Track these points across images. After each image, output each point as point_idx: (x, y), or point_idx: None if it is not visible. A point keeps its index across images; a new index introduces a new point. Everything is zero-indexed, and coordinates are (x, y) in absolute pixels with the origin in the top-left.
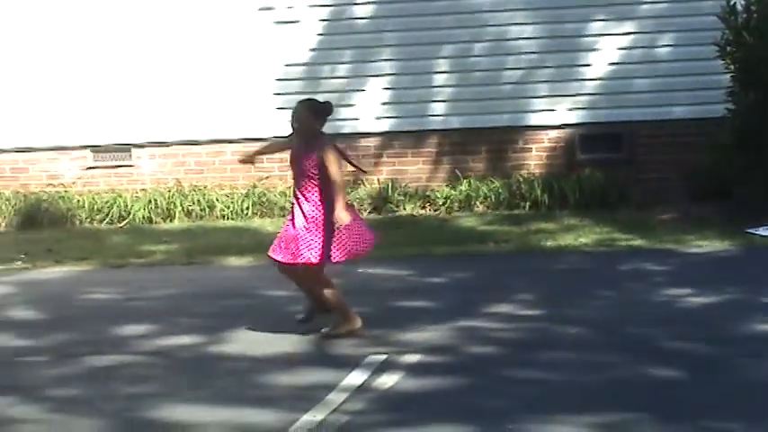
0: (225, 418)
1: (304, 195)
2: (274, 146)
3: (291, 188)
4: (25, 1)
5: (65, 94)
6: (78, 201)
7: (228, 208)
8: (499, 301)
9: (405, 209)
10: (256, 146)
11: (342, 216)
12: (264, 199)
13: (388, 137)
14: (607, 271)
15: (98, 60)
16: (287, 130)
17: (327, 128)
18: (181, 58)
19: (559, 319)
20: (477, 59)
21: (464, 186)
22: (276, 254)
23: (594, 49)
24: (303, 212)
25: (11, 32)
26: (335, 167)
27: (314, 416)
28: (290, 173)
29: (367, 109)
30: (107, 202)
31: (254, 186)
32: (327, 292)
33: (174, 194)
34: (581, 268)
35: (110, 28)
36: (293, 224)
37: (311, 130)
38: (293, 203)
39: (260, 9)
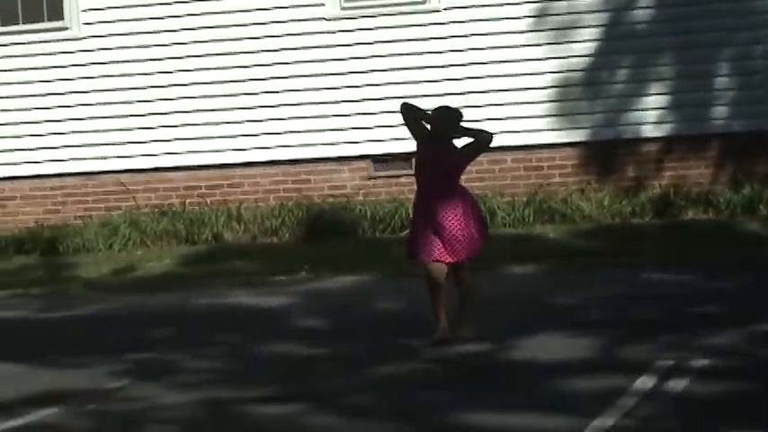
0: (515, 424)
1: (448, 193)
2: (421, 127)
3: (421, 187)
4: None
5: (344, 106)
6: (360, 211)
7: (509, 215)
8: None
9: (687, 214)
10: (533, 152)
11: None
12: (545, 205)
13: (670, 141)
14: None
15: (381, 75)
16: (561, 135)
17: (610, 134)
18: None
19: None
20: (757, 62)
21: (747, 190)
22: (452, 256)
23: None
24: (457, 206)
25: (290, 45)
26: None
27: (604, 421)
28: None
29: (648, 114)
30: (389, 212)
31: (535, 193)
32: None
33: None
34: None
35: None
36: (453, 221)
37: (453, 134)
38: (429, 202)
39: (536, 15)
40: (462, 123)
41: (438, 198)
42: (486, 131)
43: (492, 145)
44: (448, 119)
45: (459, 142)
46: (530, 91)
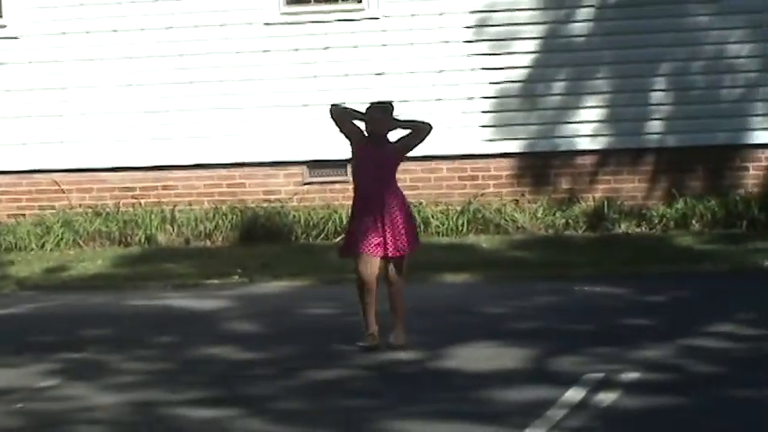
0: None
1: (388, 188)
2: (354, 126)
3: (360, 186)
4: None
5: (281, 111)
6: (294, 216)
7: (443, 225)
8: (719, 320)
9: (620, 227)
10: (468, 162)
11: None
12: (479, 215)
13: (605, 154)
14: None
15: (318, 81)
16: (497, 146)
17: (546, 146)
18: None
19: None
20: (694, 77)
21: (680, 205)
22: (387, 250)
23: None
24: (396, 203)
25: (227, 49)
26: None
27: None
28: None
29: (583, 126)
30: (322, 218)
31: (469, 203)
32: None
33: None
34: None
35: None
36: (395, 216)
37: (388, 129)
38: (370, 199)
39: (474, 26)
40: (395, 116)
41: (380, 194)
42: (425, 122)
43: (427, 154)
44: (383, 112)
45: (393, 135)
46: (466, 101)
